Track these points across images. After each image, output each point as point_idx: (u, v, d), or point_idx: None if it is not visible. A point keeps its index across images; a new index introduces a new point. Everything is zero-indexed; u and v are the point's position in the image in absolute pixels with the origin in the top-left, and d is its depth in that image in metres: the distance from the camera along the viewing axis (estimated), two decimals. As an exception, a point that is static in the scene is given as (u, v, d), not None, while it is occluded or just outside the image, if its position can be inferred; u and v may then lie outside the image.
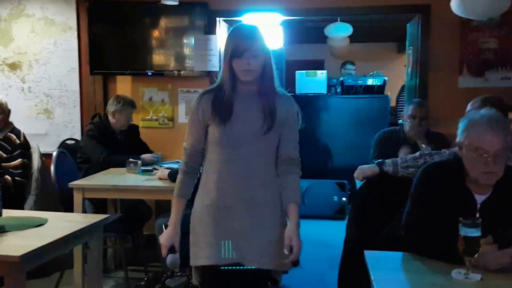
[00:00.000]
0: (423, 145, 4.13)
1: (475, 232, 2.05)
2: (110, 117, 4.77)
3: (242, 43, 2.42)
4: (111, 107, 4.77)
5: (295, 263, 4.68)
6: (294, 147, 2.56)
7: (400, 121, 5.55)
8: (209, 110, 2.47)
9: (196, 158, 2.55)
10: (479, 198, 2.40)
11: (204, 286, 2.54)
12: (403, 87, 8.03)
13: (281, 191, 2.53)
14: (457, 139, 2.42)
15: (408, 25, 5.80)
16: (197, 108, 2.50)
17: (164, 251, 2.49)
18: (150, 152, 4.91)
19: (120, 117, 4.74)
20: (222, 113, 2.45)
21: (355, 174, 3.40)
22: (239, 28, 2.55)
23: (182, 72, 5.45)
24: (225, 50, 2.46)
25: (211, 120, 2.47)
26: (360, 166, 3.40)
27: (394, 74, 9.02)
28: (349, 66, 8.16)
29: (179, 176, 2.56)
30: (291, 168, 2.53)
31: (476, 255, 2.08)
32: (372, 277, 2.14)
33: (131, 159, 4.40)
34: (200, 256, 2.49)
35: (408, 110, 4.39)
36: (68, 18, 5.60)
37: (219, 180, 2.47)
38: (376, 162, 3.33)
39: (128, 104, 4.79)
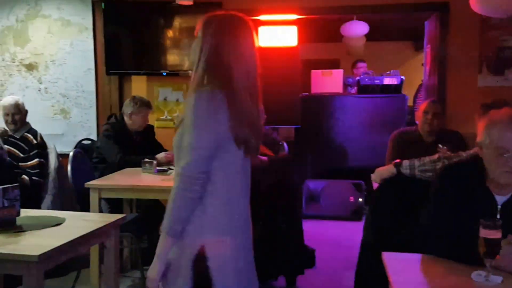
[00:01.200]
0: (440, 145, 4.07)
1: (495, 234, 2.02)
2: (126, 119, 4.78)
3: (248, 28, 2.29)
4: (127, 108, 4.77)
5: (311, 264, 4.67)
6: None
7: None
8: (225, 104, 2.21)
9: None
10: (500, 199, 2.36)
11: None
12: (420, 86, 7.96)
13: None
14: (477, 139, 2.39)
15: (426, 23, 5.75)
16: (215, 102, 2.15)
17: (155, 285, 2.16)
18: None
19: (136, 118, 4.75)
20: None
21: (373, 178, 3.37)
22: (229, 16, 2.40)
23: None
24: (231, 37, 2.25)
25: (226, 115, 2.33)
26: (377, 169, 3.36)
27: (412, 73, 8.96)
28: (360, 64, 8.11)
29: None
30: None
31: (497, 257, 2.04)
32: (390, 279, 2.11)
33: (146, 159, 4.40)
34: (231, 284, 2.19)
35: (420, 108, 4.34)
36: (84, 19, 5.62)
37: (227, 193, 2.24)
38: (393, 163, 3.30)
39: (145, 105, 4.79)
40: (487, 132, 2.32)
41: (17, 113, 4.70)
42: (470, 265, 2.14)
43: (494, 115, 2.37)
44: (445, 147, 3.30)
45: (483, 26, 5.06)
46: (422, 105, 4.34)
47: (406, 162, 3.22)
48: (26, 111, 4.82)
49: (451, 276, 2.13)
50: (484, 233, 2.02)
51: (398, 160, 3.27)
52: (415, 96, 8.06)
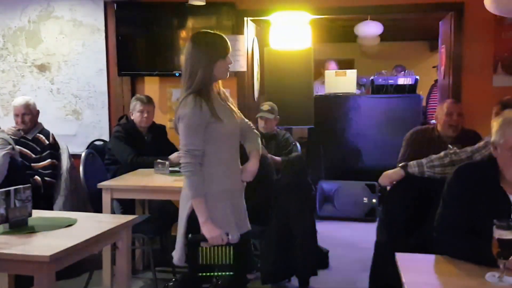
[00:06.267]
0: (450, 146, 4.03)
1: (510, 234, 2.01)
2: (130, 118, 4.83)
3: (226, 45, 2.77)
4: (130, 108, 4.84)
5: (325, 265, 4.63)
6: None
7: (433, 121, 5.43)
8: (208, 112, 2.70)
9: (200, 157, 2.75)
10: (515, 199, 2.33)
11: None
12: (432, 86, 7.91)
13: (247, 143, 2.98)
14: (492, 139, 2.37)
15: (440, 23, 5.71)
16: (198, 111, 2.69)
17: (224, 237, 2.72)
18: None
19: (135, 115, 4.79)
20: (217, 112, 2.73)
21: (380, 181, 3.36)
22: (211, 33, 2.82)
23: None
24: (210, 53, 2.72)
25: (213, 120, 2.71)
26: (384, 173, 3.35)
27: (426, 73, 8.90)
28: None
29: (194, 179, 2.73)
30: (252, 127, 3.02)
31: (510, 258, 2.02)
32: (403, 280, 2.10)
33: (159, 160, 4.40)
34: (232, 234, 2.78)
35: (442, 109, 4.26)
36: (96, 20, 5.64)
37: (227, 169, 2.81)
38: (400, 165, 3.31)
39: (137, 100, 4.81)
40: (502, 132, 2.31)
41: (28, 114, 4.71)
42: (484, 266, 2.13)
43: (508, 115, 2.35)
44: (455, 148, 3.27)
45: (498, 26, 5.01)
46: (443, 107, 4.26)
47: (413, 162, 3.24)
48: (38, 112, 4.83)
49: (465, 277, 2.13)
50: (498, 233, 2.02)
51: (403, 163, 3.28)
52: (428, 96, 8.00)
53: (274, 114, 5.07)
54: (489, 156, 2.45)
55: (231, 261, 2.76)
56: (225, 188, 2.80)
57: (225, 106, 2.83)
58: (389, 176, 3.31)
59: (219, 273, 2.86)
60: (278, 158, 4.86)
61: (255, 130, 3.04)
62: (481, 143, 3.12)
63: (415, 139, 4.31)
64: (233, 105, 2.91)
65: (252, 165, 2.92)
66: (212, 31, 2.82)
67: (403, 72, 8.20)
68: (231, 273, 2.82)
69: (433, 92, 7.81)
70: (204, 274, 2.80)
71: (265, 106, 5.10)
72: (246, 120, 3.01)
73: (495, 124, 2.37)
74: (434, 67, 6.77)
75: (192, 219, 2.77)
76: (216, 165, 2.78)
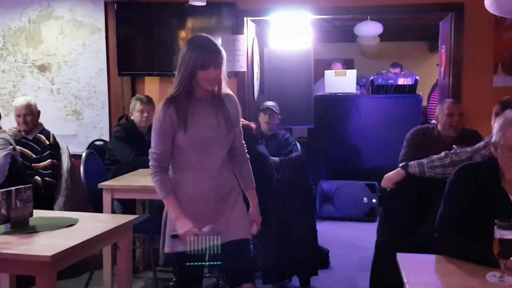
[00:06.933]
0: (454, 146, 4.03)
1: (510, 234, 2.00)
2: (130, 118, 4.84)
3: (209, 57, 2.64)
4: (130, 108, 4.85)
5: (325, 265, 4.64)
6: (242, 139, 2.96)
7: (433, 121, 5.43)
8: (175, 118, 2.69)
9: (166, 159, 2.77)
10: (516, 199, 2.33)
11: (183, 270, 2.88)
12: (434, 85, 7.91)
13: (239, 178, 2.94)
14: (493, 139, 2.37)
15: (440, 23, 5.71)
16: (164, 116, 2.70)
17: (196, 230, 2.70)
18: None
19: (134, 114, 4.80)
20: (188, 119, 2.69)
21: (383, 184, 3.36)
22: (203, 40, 2.72)
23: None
24: (189, 60, 2.64)
25: (179, 127, 2.69)
26: (385, 175, 3.36)
27: (426, 73, 8.91)
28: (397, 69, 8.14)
29: (156, 179, 2.74)
30: (245, 158, 2.95)
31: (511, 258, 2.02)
32: (404, 280, 2.09)
33: (159, 160, 4.39)
34: (176, 244, 2.76)
35: (443, 109, 4.26)
36: (96, 20, 5.64)
37: (194, 175, 2.76)
38: (400, 165, 3.32)
39: (136, 99, 4.83)
40: (502, 132, 2.31)
41: (29, 114, 4.71)
42: (485, 266, 2.13)
43: (509, 115, 2.35)
44: (458, 148, 3.27)
45: (498, 26, 5.01)
46: (444, 107, 4.25)
47: (413, 162, 3.24)
48: (39, 112, 4.83)
49: (466, 277, 2.11)
50: (499, 233, 2.01)
51: (404, 163, 3.28)
52: (429, 96, 8.00)
53: (278, 112, 5.09)
54: (490, 157, 2.45)
55: (219, 250, 2.76)
56: (192, 195, 2.77)
57: (208, 115, 2.74)
58: (391, 179, 3.32)
59: (209, 263, 2.95)
60: (275, 158, 4.87)
61: (247, 155, 2.97)
62: (481, 144, 3.12)
63: (416, 139, 4.31)
64: (228, 119, 2.78)
65: (255, 215, 2.96)
66: (208, 38, 2.73)
67: (398, 68, 8.22)
68: (219, 262, 2.86)
69: (434, 92, 7.81)
70: (193, 264, 2.81)
71: (269, 102, 5.13)
72: (243, 142, 2.95)
73: (495, 124, 2.37)
74: (438, 64, 6.74)
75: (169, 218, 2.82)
76: (181, 171, 2.78)
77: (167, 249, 2.79)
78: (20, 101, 4.75)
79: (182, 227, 2.70)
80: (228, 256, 2.82)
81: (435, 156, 3.21)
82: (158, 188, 2.75)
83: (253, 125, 4.08)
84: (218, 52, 2.68)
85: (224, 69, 2.73)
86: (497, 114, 3.66)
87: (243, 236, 2.86)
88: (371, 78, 7.20)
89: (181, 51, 2.70)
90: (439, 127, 4.28)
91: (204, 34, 2.77)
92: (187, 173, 2.77)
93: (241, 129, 2.94)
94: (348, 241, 5.69)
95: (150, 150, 2.77)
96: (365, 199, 6.52)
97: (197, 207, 2.78)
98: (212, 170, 2.78)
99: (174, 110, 2.69)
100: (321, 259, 4.73)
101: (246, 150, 2.97)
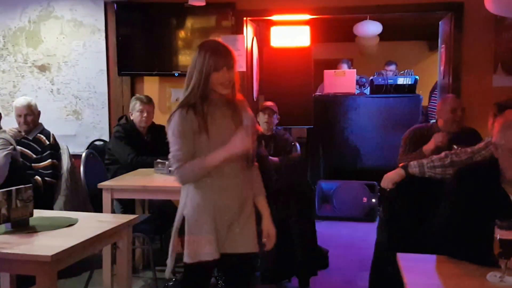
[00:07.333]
0: (455, 146, 4.03)
1: (511, 235, 2.00)
2: (130, 118, 4.84)
3: (221, 58, 2.60)
4: (130, 108, 4.85)
5: (324, 265, 4.64)
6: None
7: (433, 121, 5.42)
8: (196, 122, 2.62)
9: (187, 159, 2.66)
10: (516, 200, 2.34)
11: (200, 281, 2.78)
12: (435, 85, 7.89)
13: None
14: (493, 140, 2.37)
15: (440, 22, 5.72)
16: (185, 119, 2.64)
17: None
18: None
19: (134, 114, 4.80)
20: (208, 123, 2.63)
21: (383, 184, 3.36)
22: (214, 44, 2.70)
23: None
24: (202, 64, 2.60)
25: (199, 131, 2.63)
26: (385, 175, 3.36)
27: (426, 73, 8.90)
28: (391, 67, 8.12)
29: (185, 167, 2.63)
30: (254, 165, 2.85)
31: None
32: (405, 280, 2.09)
33: (159, 160, 4.40)
34: (201, 253, 2.65)
35: (445, 105, 4.24)
36: (96, 20, 5.64)
37: (214, 182, 2.66)
38: (400, 166, 3.32)
39: (136, 99, 4.83)
40: (503, 133, 2.30)
41: (30, 114, 4.72)
42: (485, 266, 2.13)
43: (510, 116, 2.35)
44: (459, 148, 3.28)
45: (498, 26, 5.01)
46: (447, 103, 4.23)
47: (413, 162, 3.23)
48: (39, 112, 4.84)
49: (466, 277, 2.12)
50: (499, 234, 2.01)
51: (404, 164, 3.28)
52: (430, 95, 7.98)
53: (277, 112, 5.10)
54: (490, 157, 2.44)
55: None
56: (212, 202, 2.66)
57: (226, 119, 2.69)
58: (391, 179, 3.31)
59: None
60: (275, 159, 4.87)
61: (256, 163, 2.89)
62: (481, 144, 3.12)
63: (415, 138, 4.31)
64: (247, 126, 2.69)
65: (270, 227, 2.84)
66: (218, 41, 2.74)
67: (393, 65, 8.21)
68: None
69: (435, 91, 7.79)
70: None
71: (269, 102, 5.14)
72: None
73: (496, 125, 2.37)
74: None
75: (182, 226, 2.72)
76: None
77: (188, 259, 2.67)
78: (21, 101, 4.76)
79: (237, 144, 2.59)
80: (232, 267, 2.77)
81: (435, 156, 3.22)
82: (193, 169, 2.63)
83: (260, 128, 4.08)
84: (229, 52, 2.64)
85: (237, 72, 2.70)
86: (494, 116, 3.66)
87: (252, 250, 2.77)
88: (371, 78, 7.20)
89: (193, 57, 2.66)
90: (440, 123, 4.26)
91: (213, 39, 2.77)
92: (207, 180, 2.66)
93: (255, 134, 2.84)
94: (348, 241, 5.69)
95: (173, 154, 2.68)
96: (365, 199, 6.51)
97: (216, 215, 2.66)
98: (232, 176, 2.69)
99: (193, 114, 2.62)
100: (320, 259, 4.72)
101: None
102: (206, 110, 2.64)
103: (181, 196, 2.80)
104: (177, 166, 2.65)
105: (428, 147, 4.07)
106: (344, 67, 8.24)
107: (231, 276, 2.83)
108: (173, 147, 2.68)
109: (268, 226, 2.84)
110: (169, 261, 2.79)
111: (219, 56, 2.60)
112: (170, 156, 2.70)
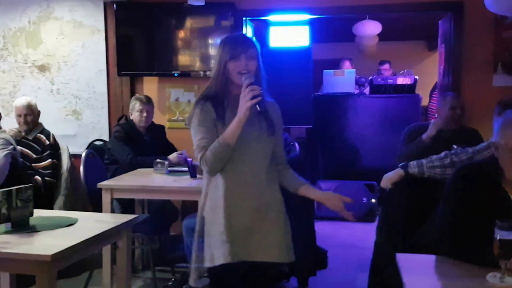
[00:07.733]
0: (454, 146, 4.03)
1: (511, 235, 2.00)
2: (129, 118, 4.85)
3: (239, 46, 2.52)
4: (129, 108, 4.86)
5: (323, 265, 4.62)
6: (283, 150, 2.77)
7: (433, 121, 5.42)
8: (213, 113, 2.54)
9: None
10: (516, 200, 2.33)
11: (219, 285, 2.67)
12: (435, 84, 7.89)
13: (288, 181, 2.75)
14: (493, 139, 2.36)
15: (440, 22, 5.71)
16: (203, 109, 2.55)
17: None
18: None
19: (134, 114, 4.81)
20: (226, 114, 2.53)
21: (382, 184, 3.36)
22: (234, 35, 2.71)
23: (208, 73, 5.37)
24: (221, 54, 2.54)
25: (217, 122, 2.53)
26: (384, 175, 3.36)
27: (425, 72, 8.89)
28: (385, 66, 8.12)
29: (207, 151, 2.50)
30: (288, 165, 2.76)
31: (512, 258, 2.03)
32: (404, 281, 2.09)
33: (158, 160, 4.40)
34: (217, 256, 2.53)
35: (445, 102, 4.25)
36: (96, 21, 5.64)
37: (230, 179, 2.54)
38: (399, 165, 3.32)
39: (136, 99, 4.84)
40: (503, 133, 2.30)
41: (30, 114, 4.73)
42: (485, 267, 2.12)
43: (509, 115, 2.34)
44: (459, 148, 3.28)
45: (498, 25, 5.01)
46: (446, 101, 4.22)
47: (413, 162, 3.23)
48: (39, 112, 4.84)
49: (466, 278, 2.11)
50: (499, 234, 2.00)
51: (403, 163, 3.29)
52: (431, 95, 7.98)
53: None
54: (491, 157, 2.44)
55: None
56: (227, 202, 2.53)
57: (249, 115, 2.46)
58: (390, 178, 3.32)
59: None
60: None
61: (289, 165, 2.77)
62: (483, 145, 3.11)
63: (413, 136, 4.31)
64: (270, 121, 2.60)
65: (333, 194, 2.84)
66: (241, 33, 2.69)
67: (386, 64, 8.21)
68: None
69: (435, 91, 7.78)
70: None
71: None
72: (284, 153, 2.76)
73: (496, 124, 2.37)
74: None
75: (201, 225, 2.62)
76: (216, 174, 2.57)
77: (207, 263, 2.55)
78: (21, 101, 4.76)
79: (244, 99, 2.43)
80: (253, 276, 2.64)
81: (434, 156, 3.21)
82: (214, 150, 2.48)
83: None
84: (250, 42, 2.57)
85: (261, 67, 2.60)
86: (499, 114, 3.66)
87: (274, 260, 2.60)
88: (370, 77, 7.20)
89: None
90: (439, 120, 4.26)
91: (238, 32, 2.70)
92: (223, 176, 2.54)
93: (282, 138, 2.74)
94: (347, 241, 5.69)
95: (196, 144, 2.54)
96: (364, 199, 6.51)
97: (232, 216, 2.53)
98: (250, 175, 2.55)
99: (211, 105, 2.54)
100: (319, 259, 4.72)
101: None
102: (226, 104, 2.55)
103: (200, 197, 2.69)
104: (201, 154, 2.51)
105: (427, 134, 4.09)
106: (347, 64, 8.23)
107: (250, 285, 2.67)
108: (195, 138, 2.56)
109: (331, 194, 2.85)
110: (192, 267, 2.65)
111: (236, 44, 2.53)
112: (194, 148, 2.56)
